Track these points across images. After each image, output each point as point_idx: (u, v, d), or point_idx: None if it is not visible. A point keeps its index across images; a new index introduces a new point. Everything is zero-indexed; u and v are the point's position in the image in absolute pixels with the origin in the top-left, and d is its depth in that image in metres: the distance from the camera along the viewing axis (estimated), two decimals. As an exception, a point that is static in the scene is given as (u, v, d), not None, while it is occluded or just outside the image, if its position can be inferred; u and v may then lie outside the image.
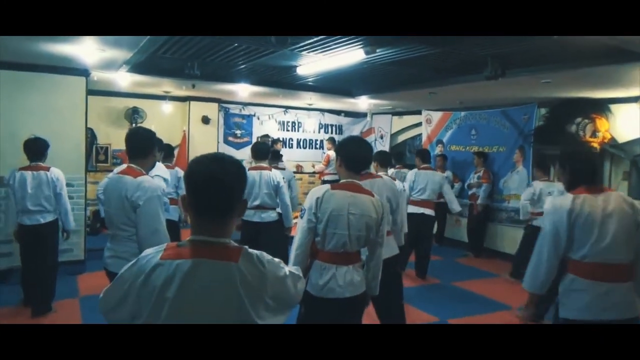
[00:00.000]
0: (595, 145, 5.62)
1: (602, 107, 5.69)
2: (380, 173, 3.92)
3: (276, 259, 1.36)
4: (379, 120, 9.58)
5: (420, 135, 8.69)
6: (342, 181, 2.60)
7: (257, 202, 4.76)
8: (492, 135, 7.18)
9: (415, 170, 5.89)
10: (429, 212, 5.70)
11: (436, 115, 8.18)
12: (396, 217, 3.38)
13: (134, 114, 7.97)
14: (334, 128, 9.94)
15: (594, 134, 5.64)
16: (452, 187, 7.56)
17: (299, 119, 9.56)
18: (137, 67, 5.31)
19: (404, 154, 9.08)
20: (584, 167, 2.45)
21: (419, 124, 8.69)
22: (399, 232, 3.42)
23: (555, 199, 2.48)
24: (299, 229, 2.58)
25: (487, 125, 7.28)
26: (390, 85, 6.43)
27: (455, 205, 5.94)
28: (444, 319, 4.59)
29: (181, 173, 5.04)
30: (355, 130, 9.93)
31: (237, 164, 1.34)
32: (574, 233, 2.32)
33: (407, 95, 6.78)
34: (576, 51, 3.81)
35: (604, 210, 2.31)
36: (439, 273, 6.16)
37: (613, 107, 5.67)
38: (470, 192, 7.24)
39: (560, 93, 5.62)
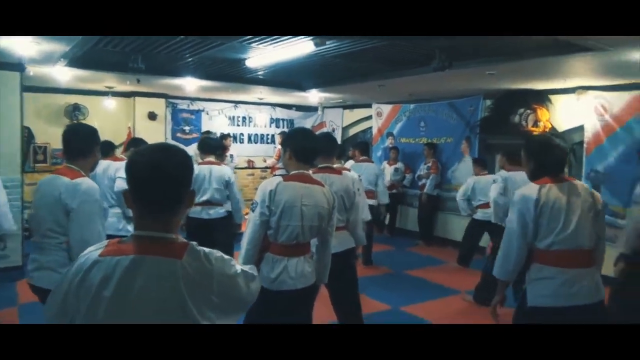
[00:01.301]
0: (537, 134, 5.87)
1: (542, 97, 5.95)
2: (336, 165, 3.93)
3: (227, 256, 1.30)
4: (330, 114, 9.61)
5: (371, 128, 8.79)
6: (292, 172, 2.58)
7: (205, 198, 4.61)
8: (440, 126, 7.36)
9: (352, 162, 6.02)
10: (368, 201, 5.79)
11: (386, 108, 8.30)
12: (349, 216, 3.38)
13: (74, 111, 7.60)
14: (285, 122, 9.89)
15: (535, 123, 5.89)
16: (404, 178, 7.73)
17: (249, 113, 9.43)
18: (77, 61, 5.06)
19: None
20: (550, 157, 2.48)
21: (369, 117, 8.79)
22: (352, 229, 3.43)
23: (522, 189, 2.49)
24: (250, 223, 2.53)
25: (436, 117, 7.46)
26: (340, 78, 6.45)
27: (383, 197, 6.06)
28: (396, 306, 4.70)
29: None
30: (306, 124, 9.91)
31: (182, 152, 1.28)
32: (541, 222, 2.36)
33: (357, 88, 6.83)
34: (519, 43, 3.94)
35: (568, 199, 2.36)
36: (392, 262, 6.28)
37: (553, 97, 5.94)
38: (420, 183, 7.40)
39: (504, 85, 5.82)
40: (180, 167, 1.24)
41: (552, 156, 2.48)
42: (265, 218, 2.48)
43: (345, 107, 9.32)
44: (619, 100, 5.27)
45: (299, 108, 9.93)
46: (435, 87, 6.31)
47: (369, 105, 8.63)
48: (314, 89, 7.26)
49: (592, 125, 5.47)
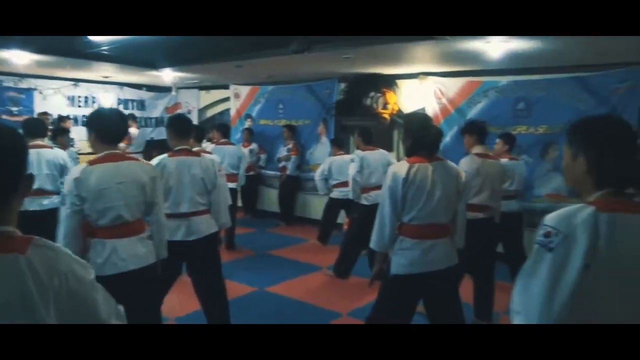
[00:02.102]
0: (386, 116, 6.31)
1: (390, 82, 6.40)
2: (196, 149, 3.78)
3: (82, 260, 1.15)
4: (185, 95, 9.18)
5: (229, 110, 8.61)
6: (99, 155, 2.45)
7: (35, 186, 4.05)
8: (298, 108, 7.51)
9: (214, 145, 5.88)
10: (229, 185, 5.71)
11: (244, 90, 8.19)
12: (211, 199, 3.28)
13: None
14: (135, 103, 9.17)
15: (385, 106, 6.32)
16: (259, 159, 7.74)
17: (92, 93, 8.54)
18: None
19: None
20: (428, 135, 2.66)
21: (227, 99, 8.60)
22: (215, 212, 3.32)
23: (394, 167, 2.68)
24: (62, 216, 2.40)
25: (293, 99, 7.58)
26: (196, 58, 6.16)
27: (242, 180, 6.08)
28: (261, 287, 4.72)
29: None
30: (159, 105, 9.35)
31: (13, 132, 1.10)
32: (406, 198, 2.57)
33: (214, 68, 6.60)
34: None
35: (433, 178, 2.58)
36: (254, 244, 6.29)
37: (399, 82, 6.42)
38: (280, 165, 7.49)
39: (358, 69, 6.12)
40: (12, 149, 1.06)
41: (429, 135, 2.68)
42: (77, 208, 2.36)
43: (201, 88, 8.98)
44: (454, 86, 5.90)
45: (151, 88, 9.29)
46: (294, 69, 6.39)
47: (226, 87, 8.43)
48: (168, 68, 6.84)
49: (432, 108, 6.04)
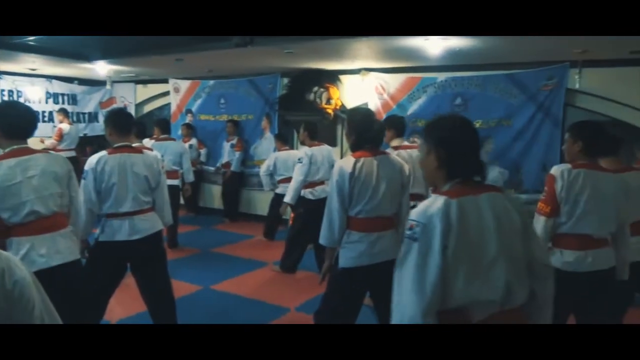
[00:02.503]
0: (330, 111, 6.36)
1: (333, 77, 6.45)
2: (135, 145, 3.63)
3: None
4: (121, 89, 8.79)
5: (168, 105, 8.34)
6: (7, 150, 2.37)
7: None
8: (241, 103, 7.40)
9: (153, 141, 5.68)
10: (170, 182, 5.58)
11: (184, 84, 7.97)
12: (155, 197, 3.18)
13: None
14: (66, 98, 8.67)
15: (328, 101, 6.37)
16: (199, 155, 7.58)
17: (18, 86, 7.97)
18: None
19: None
20: (371, 130, 2.70)
21: (166, 93, 8.32)
22: (159, 210, 3.22)
23: (340, 162, 2.69)
24: None
25: (236, 94, 7.46)
26: (132, 50, 5.91)
27: (189, 175, 5.96)
28: (207, 285, 4.64)
29: None
30: (93, 99, 8.91)
31: None
32: (353, 193, 2.61)
33: (152, 61, 6.37)
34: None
35: (378, 173, 2.62)
36: (198, 242, 6.16)
37: (342, 77, 6.48)
38: (224, 161, 7.36)
39: (300, 64, 6.11)
40: None
41: (372, 130, 2.73)
42: None
43: (138, 82, 8.63)
44: (394, 81, 6.03)
45: (83, 82, 8.82)
46: (236, 63, 6.28)
47: (165, 81, 8.16)
48: (101, 61, 6.52)
49: (374, 103, 6.15)
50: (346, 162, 2.65)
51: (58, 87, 8.51)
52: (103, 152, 3.03)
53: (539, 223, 2.53)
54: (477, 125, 5.61)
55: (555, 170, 2.55)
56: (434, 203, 1.43)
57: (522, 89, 5.34)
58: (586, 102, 5.16)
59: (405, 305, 1.39)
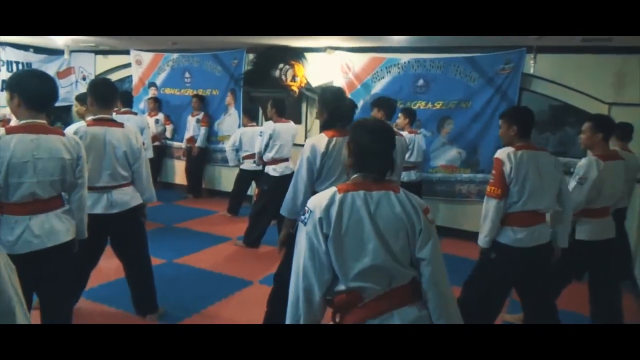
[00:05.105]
0: (295, 88, 6.39)
1: (299, 54, 6.46)
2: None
3: None
4: (80, 59, 8.50)
5: (130, 77, 8.15)
6: (21, 122, 2.28)
7: None
8: (206, 78, 7.31)
9: (114, 114, 5.59)
10: None
11: (147, 56, 7.78)
12: (134, 172, 3.15)
13: None
14: (21, 66, 8.31)
15: (293, 78, 6.39)
16: (164, 130, 7.49)
17: (-32, 53, 7.63)
18: None
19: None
20: (342, 108, 2.76)
21: (128, 65, 8.12)
22: (139, 184, 3.21)
23: (312, 139, 2.75)
24: None
25: (200, 68, 7.37)
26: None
27: (148, 152, 5.90)
28: (170, 259, 4.68)
29: None
30: (50, 69, 8.52)
31: None
32: (323, 170, 2.69)
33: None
34: None
35: None
36: (161, 217, 6.13)
37: (307, 55, 6.50)
38: (188, 136, 7.30)
39: (266, 40, 6.08)
40: None
41: (343, 107, 2.80)
42: None
43: (98, 53, 8.37)
44: (359, 61, 6.11)
45: (39, 50, 8.48)
46: (199, 37, 6.19)
47: (126, 52, 7.95)
48: (59, 29, 6.29)
49: (339, 82, 6.21)
50: (319, 141, 2.71)
51: (12, 54, 8.14)
52: (81, 123, 2.99)
53: (491, 206, 2.71)
54: (438, 106, 5.79)
55: (500, 153, 2.74)
56: (326, 194, 1.59)
57: (480, 73, 5.53)
58: (540, 86, 5.41)
59: (291, 287, 1.60)
